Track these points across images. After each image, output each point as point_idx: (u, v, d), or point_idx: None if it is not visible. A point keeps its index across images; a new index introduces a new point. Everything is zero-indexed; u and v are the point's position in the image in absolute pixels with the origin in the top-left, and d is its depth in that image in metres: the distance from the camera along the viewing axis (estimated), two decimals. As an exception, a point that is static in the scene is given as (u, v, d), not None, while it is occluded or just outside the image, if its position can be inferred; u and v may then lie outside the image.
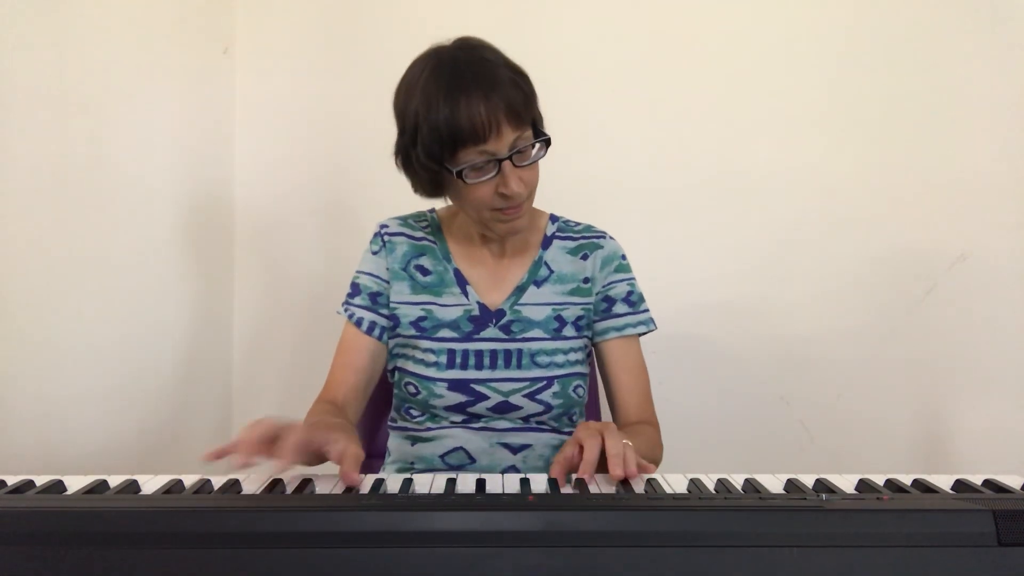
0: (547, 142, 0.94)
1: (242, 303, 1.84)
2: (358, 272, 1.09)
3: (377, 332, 1.06)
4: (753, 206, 1.68)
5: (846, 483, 0.71)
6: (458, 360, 1.02)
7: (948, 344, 1.60)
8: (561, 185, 1.69)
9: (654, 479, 0.74)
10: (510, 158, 0.90)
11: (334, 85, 1.79)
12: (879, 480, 0.72)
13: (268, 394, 1.84)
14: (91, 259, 1.33)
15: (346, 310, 1.07)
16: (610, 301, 1.08)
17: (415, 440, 1.05)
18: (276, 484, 0.73)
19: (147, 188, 1.49)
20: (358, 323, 1.05)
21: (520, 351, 1.03)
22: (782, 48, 1.67)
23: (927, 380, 1.62)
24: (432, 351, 1.02)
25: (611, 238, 1.12)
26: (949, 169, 1.60)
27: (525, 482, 0.74)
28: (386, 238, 1.09)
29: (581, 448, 0.75)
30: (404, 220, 1.12)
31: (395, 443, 1.09)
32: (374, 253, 1.09)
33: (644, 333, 1.09)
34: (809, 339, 1.67)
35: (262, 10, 1.81)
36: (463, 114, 0.86)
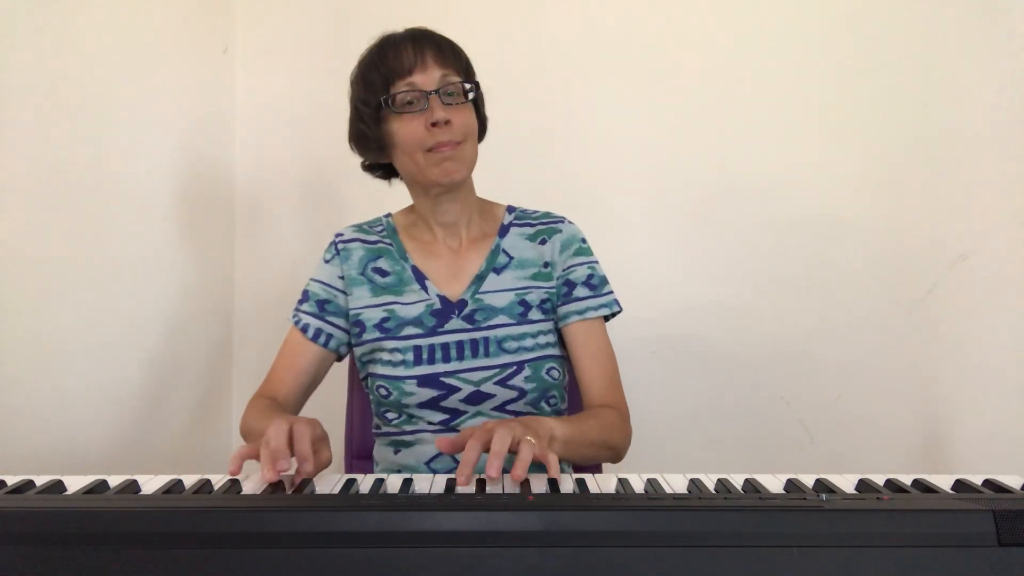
0: (477, 86, 1.02)
1: (242, 302, 1.84)
2: (310, 280, 1.10)
3: (323, 339, 1.07)
4: (753, 206, 1.68)
5: (846, 483, 0.71)
6: (425, 355, 1.02)
7: (948, 344, 1.60)
8: (561, 184, 1.70)
9: (654, 479, 0.74)
10: (438, 93, 0.96)
11: (334, 85, 1.77)
12: (879, 480, 0.72)
13: (268, 394, 1.84)
14: (91, 259, 1.33)
15: (294, 316, 1.09)
16: (571, 285, 1.07)
17: (398, 446, 1.05)
18: (276, 484, 0.73)
19: (147, 188, 1.49)
20: (304, 329, 1.07)
21: (487, 339, 1.02)
22: (782, 48, 1.67)
23: (927, 380, 1.61)
24: (399, 350, 1.02)
25: (570, 222, 1.12)
26: (949, 169, 1.60)
27: (525, 482, 0.74)
28: (340, 246, 1.10)
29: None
30: (359, 227, 1.14)
31: (380, 451, 1.09)
32: (326, 261, 1.10)
33: (608, 316, 1.08)
34: (809, 339, 1.67)
35: (262, 10, 1.81)
36: (391, 55, 0.98)
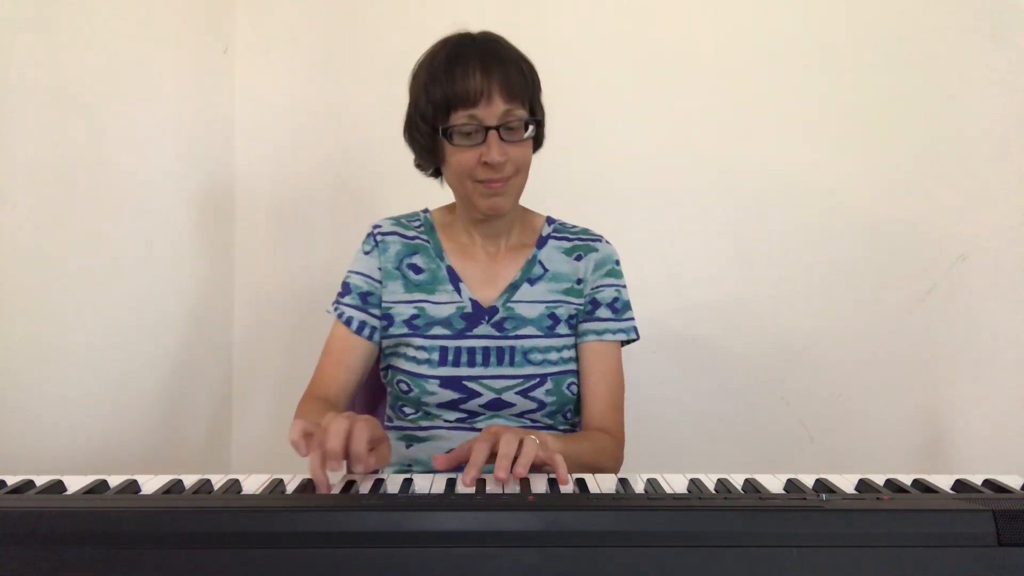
0: (538, 123, 0.99)
1: (242, 301, 1.84)
2: (349, 272, 1.09)
3: (367, 332, 1.06)
4: (753, 206, 1.68)
5: (846, 483, 0.71)
6: (450, 357, 1.02)
7: (948, 344, 1.60)
8: (562, 184, 1.70)
9: (654, 479, 0.74)
10: (497, 129, 0.93)
11: (334, 84, 1.79)
12: (879, 480, 0.72)
13: (268, 391, 1.84)
14: (91, 258, 1.33)
15: (336, 309, 1.07)
16: (595, 304, 1.08)
17: (410, 441, 1.05)
18: (277, 484, 0.73)
19: (147, 188, 1.49)
20: (348, 322, 1.06)
21: (513, 348, 1.03)
22: (782, 48, 1.67)
23: (927, 380, 1.62)
24: (424, 348, 1.02)
25: (607, 242, 1.12)
26: (949, 169, 1.60)
27: (525, 482, 0.74)
28: (379, 238, 1.09)
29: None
30: (397, 220, 1.12)
31: (391, 445, 1.09)
32: (366, 253, 1.09)
33: (625, 342, 1.09)
34: (809, 339, 1.67)
35: (262, 10, 1.81)
36: (459, 78, 0.92)
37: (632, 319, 1.09)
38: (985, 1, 1.57)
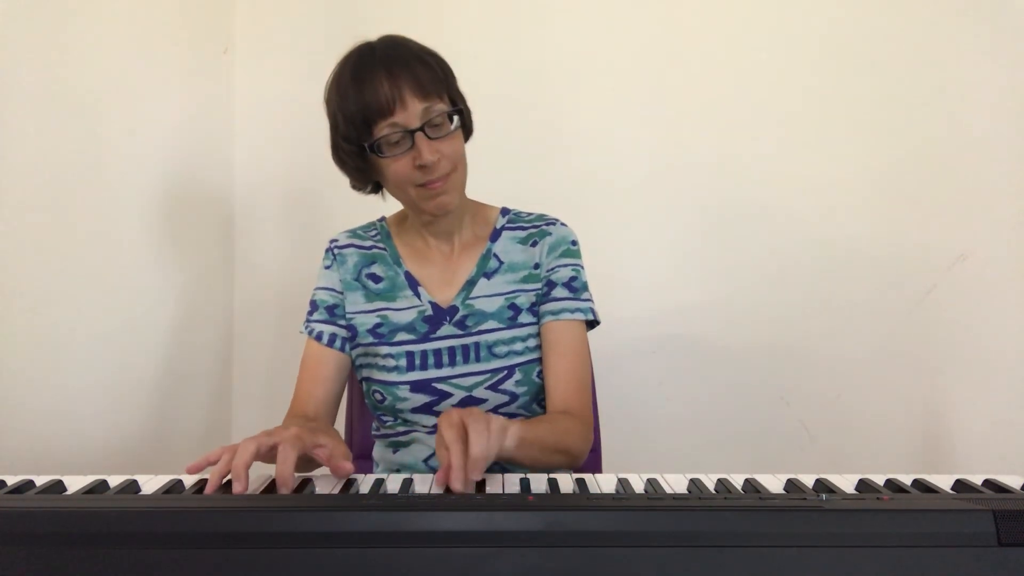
0: (461, 112, 0.97)
1: (241, 300, 1.84)
2: (315, 289, 1.10)
3: (339, 343, 1.06)
4: (754, 206, 1.68)
5: (846, 483, 0.71)
6: (417, 361, 1.02)
7: (948, 344, 1.60)
8: (562, 185, 1.70)
9: (654, 479, 0.74)
10: (422, 129, 0.92)
11: (334, 85, 1.79)
12: (879, 480, 0.72)
13: (267, 391, 1.84)
14: (90, 258, 1.33)
15: (306, 327, 1.08)
16: (551, 285, 1.06)
17: (396, 446, 1.05)
18: (272, 484, 0.73)
19: (147, 187, 1.49)
20: (318, 337, 1.06)
21: (477, 344, 1.02)
22: (780, 48, 1.67)
23: (927, 380, 1.62)
24: (392, 356, 1.02)
25: (562, 224, 1.11)
26: (949, 169, 1.60)
27: (525, 482, 0.74)
28: (336, 252, 1.10)
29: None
30: (353, 232, 1.13)
31: (379, 451, 1.10)
32: (327, 268, 1.10)
33: (589, 325, 1.06)
34: (809, 339, 1.67)
35: (262, 10, 1.81)
36: (368, 91, 0.91)
37: (590, 300, 1.07)
38: (985, 1, 1.57)
